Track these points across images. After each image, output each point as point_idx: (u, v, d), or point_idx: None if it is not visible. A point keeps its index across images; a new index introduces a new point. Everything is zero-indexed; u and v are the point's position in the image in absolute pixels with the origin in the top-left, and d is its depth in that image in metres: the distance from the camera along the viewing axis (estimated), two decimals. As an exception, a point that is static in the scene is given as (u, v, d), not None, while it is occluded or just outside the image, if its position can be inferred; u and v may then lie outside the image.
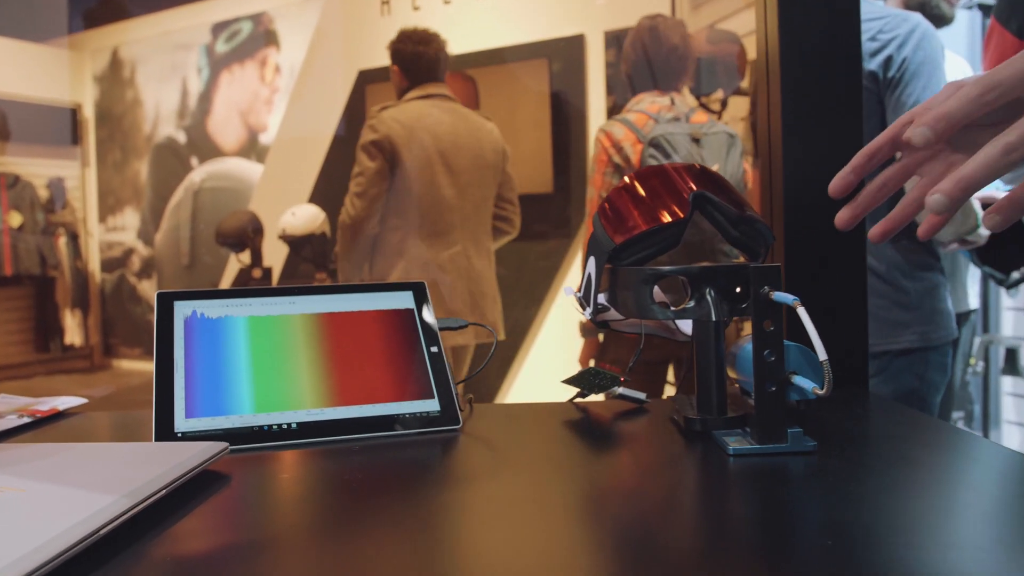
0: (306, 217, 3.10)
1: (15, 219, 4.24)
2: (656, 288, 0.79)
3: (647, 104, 2.10)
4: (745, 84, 2.43)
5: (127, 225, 4.84)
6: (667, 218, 0.69)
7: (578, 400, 0.85)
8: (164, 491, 0.53)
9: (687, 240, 0.71)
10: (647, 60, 2.12)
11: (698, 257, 2.00)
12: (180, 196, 4.59)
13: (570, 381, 0.80)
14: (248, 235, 3.35)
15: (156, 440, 0.68)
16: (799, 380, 0.61)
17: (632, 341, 2.17)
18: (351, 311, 0.79)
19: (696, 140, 2.00)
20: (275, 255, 3.60)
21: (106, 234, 4.84)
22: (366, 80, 3.59)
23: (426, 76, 2.42)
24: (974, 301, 2.31)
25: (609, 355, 2.21)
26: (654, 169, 0.74)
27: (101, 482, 0.52)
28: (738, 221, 0.71)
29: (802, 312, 0.56)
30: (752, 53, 2.44)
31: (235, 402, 0.71)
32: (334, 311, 0.79)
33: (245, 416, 0.71)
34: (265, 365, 0.74)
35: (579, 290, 0.78)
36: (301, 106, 3.87)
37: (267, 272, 3.44)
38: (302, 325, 0.77)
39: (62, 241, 4.50)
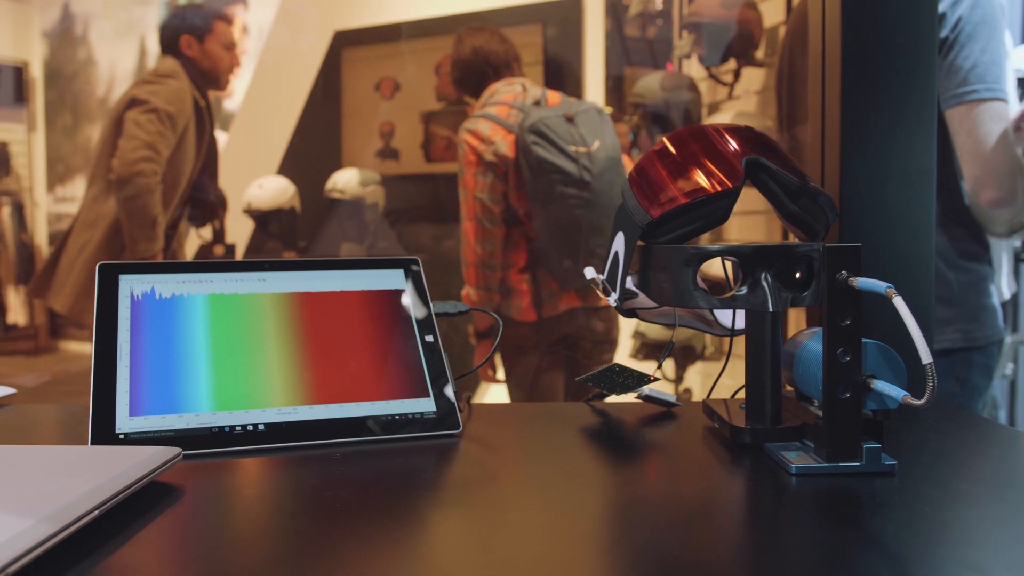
0: (274, 190, 3.00)
1: (-47, 186, 4.10)
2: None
3: (502, 95, 2.12)
4: (760, 54, 2.35)
5: (77, 195, 4.70)
6: (715, 188, 0.61)
7: (595, 402, 0.77)
8: (96, 512, 0.44)
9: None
10: (474, 53, 2.18)
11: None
12: (137, 165, 4.45)
13: (590, 379, 0.72)
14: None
15: (93, 443, 0.59)
16: (882, 386, 0.53)
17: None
18: (331, 291, 0.71)
19: (570, 119, 2.04)
20: (240, 231, 3.49)
21: (54, 205, 4.71)
22: (343, 42, 3.48)
23: None
24: (1006, 292, 2.26)
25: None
26: (692, 131, 0.66)
27: (15, 500, 0.43)
28: (799, 193, 0.63)
29: (899, 303, 0.48)
30: (769, 19, 2.36)
31: (190, 398, 0.63)
32: (311, 291, 0.70)
33: (202, 415, 0.62)
34: (227, 354, 0.65)
35: (603, 272, 0.69)
36: (270, 70, 3.75)
37: (230, 249, 3.33)
38: (273, 306, 0.69)
39: (5, 211, 4.36)
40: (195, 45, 2.48)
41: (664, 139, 0.67)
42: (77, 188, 4.70)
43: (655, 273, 0.63)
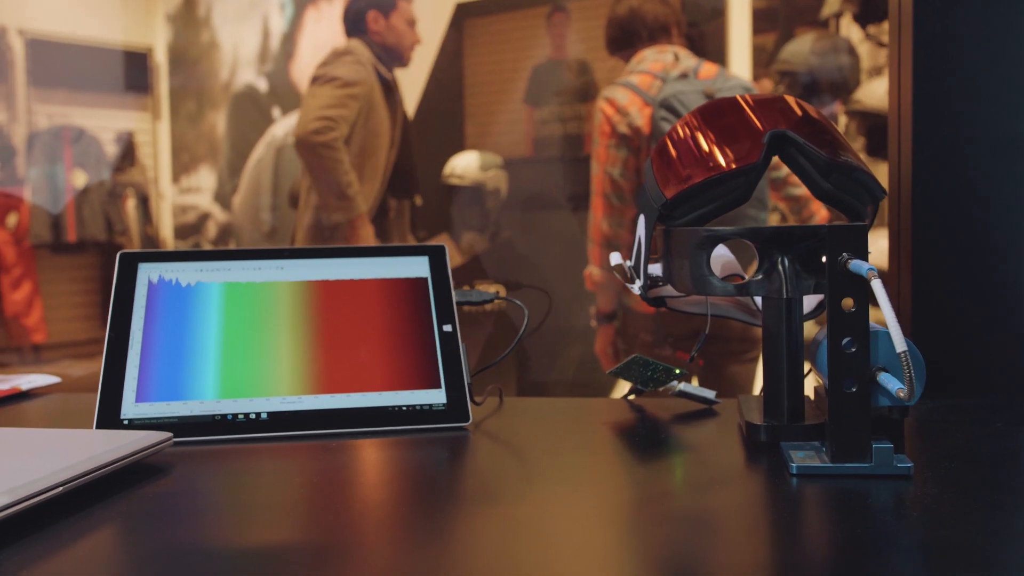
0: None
1: (79, 179, 4.45)
2: (730, 256, 0.74)
3: (650, 63, 2.12)
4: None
5: (202, 186, 5.01)
6: (732, 164, 0.63)
7: (634, 397, 0.80)
8: (61, 488, 0.51)
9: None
10: (630, 13, 2.20)
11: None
12: (261, 153, 4.71)
13: (618, 372, 0.75)
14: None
15: (97, 427, 0.67)
16: (885, 379, 0.54)
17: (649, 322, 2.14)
18: (350, 279, 0.76)
19: (709, 97, 2.03)
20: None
21: (179, 196, 5.03)
22: (464, 14, 3.57)
23: None
24: None
25: (630, 340, 2.21)
26: (718, 104, 0.68)
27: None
28: (829, 169, 0.64)
29: (876, 285, 0.49)
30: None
31: (196, 385, 0.70)
32: (330, 279, 0.76)
33: (207, 402, 0.69)
34: (237, 342, 0.72)
35: (629, 258, 0.72)
36: (390, 46, 3.89)
37: (347, 240, 3.49)
38: (289, 295, 0.75)
39: (130, 204, 4.69)
40: (381, 20, 2.74)
41: (689, 114, 0.69)
42: (202, 178, 5.01)
43: (673, 258, 0.66)
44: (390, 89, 2.72)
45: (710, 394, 0.75)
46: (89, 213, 4.50)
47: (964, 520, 0.49)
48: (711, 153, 0.64)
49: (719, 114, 0.67)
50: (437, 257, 0.79)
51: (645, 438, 0.69)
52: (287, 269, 0.76)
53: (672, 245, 0.66)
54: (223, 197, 4.86)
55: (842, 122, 2.46)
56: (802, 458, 0.57)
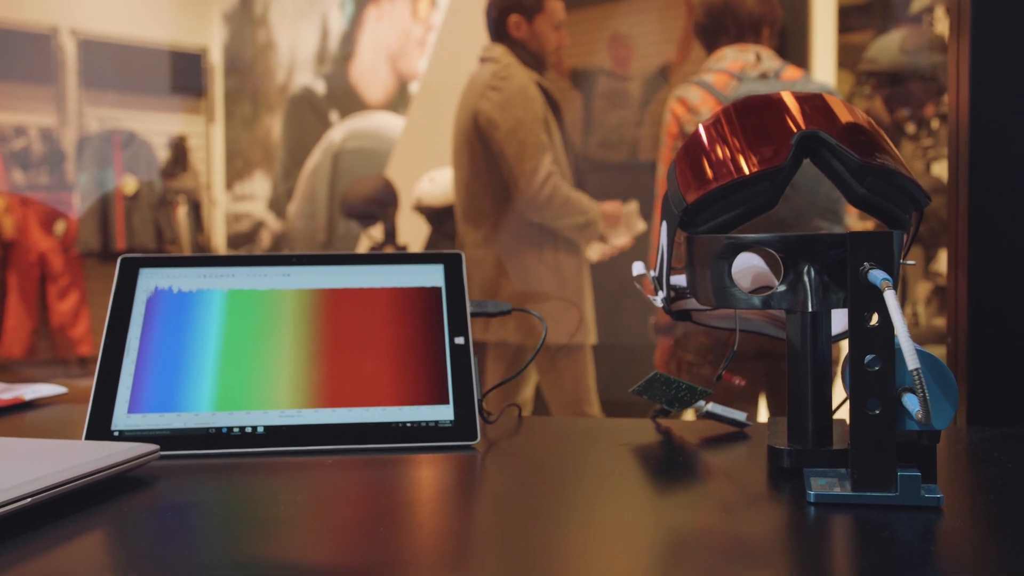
0: (446, 185, 3.12)
1: (130, 186, 4.56)
2: (762, 268, 0.73)
3: (729, 62, 2.11)
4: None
5: (256, 193, 5.10)
6: (753, 167, 0.62)
7: (660, 418, 0.79)
8: (29, 500, 0.52)
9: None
10: (724, 4, 2.16)
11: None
12: (318, 158, 4.78)
13: (640, 391, 0.75)
14: (377, 205, 3.44)
15: (87, 438, 0.69)
16: (909, 401, 0.53)
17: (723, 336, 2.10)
18: (360, 288, 0.77)
19: None
20: (418, 231, 3.67)
21: (233, 203, 5.12)
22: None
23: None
24: None
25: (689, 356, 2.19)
26: (751, 101, 0.67)
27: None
28: (863, 172, 0.62)
29: (889, 297, 0.48)
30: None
31: (192, 397, 0.71)
32: (338, 287, 0.77)
33: (201, 415, 0.70)
34: (237, 352, 0.73)
35: (654, 267, 0.72)
36: (450, 46, 3.92)
37: (402, 251, 3.52)
38: (294, 303, 0.76)
39: (181, 211, 4.79)
40: (524, 26, 2.61)
41: (720, 110, 0.68)
42: (256, 185, 5.09)
43: (695, 268, 0.65)
44: (552, 101, 2.63)
45: (740, 416, 0.74)
46: (139, 221, 4.60)
47: (988, 558, 0.48)
48: (734, 155, 0.63)
49: (751, 112, 0.66)
50: (453, 265, 0.79)
51: (664, 462, 0.69)
52: (293, 276, 0.77)
53: (694, 254, 0.65)
54: (278, 205, 4.95)
55: (934, 126, 2.42)
56: (823, 485, 0.56)
